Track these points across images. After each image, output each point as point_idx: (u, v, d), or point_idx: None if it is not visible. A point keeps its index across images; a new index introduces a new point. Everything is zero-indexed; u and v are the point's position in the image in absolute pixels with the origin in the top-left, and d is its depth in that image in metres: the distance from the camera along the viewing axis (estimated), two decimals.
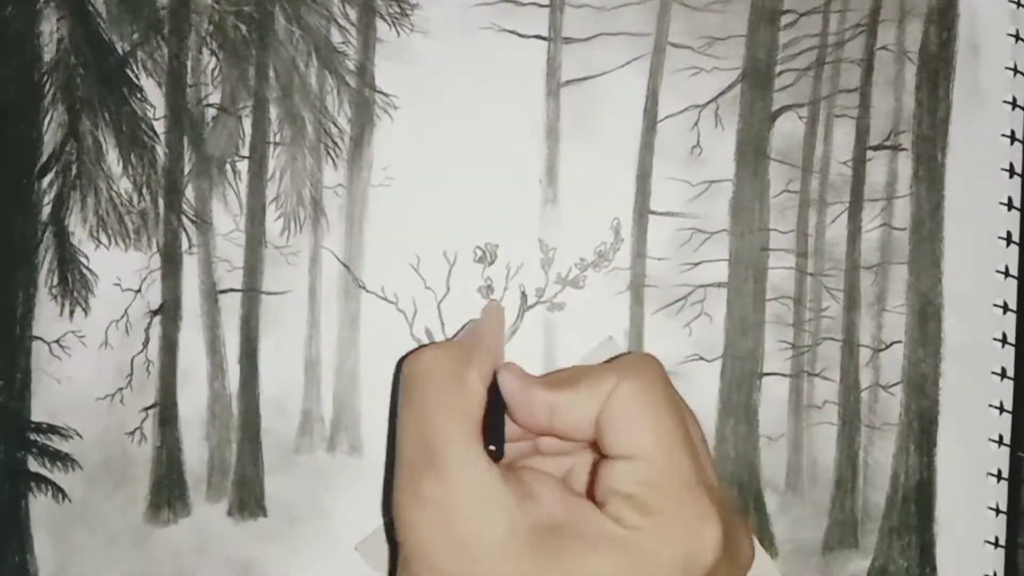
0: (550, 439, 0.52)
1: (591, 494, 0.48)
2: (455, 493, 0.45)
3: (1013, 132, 0.63)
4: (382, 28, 0.62)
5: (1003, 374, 0.63)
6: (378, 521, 0.61)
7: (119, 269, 0.61)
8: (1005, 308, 0.64)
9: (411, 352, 0.51)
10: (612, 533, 0.45)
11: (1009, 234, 0.64)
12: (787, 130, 0.63)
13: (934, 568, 0.63)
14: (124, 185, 0.61)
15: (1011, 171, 0.63)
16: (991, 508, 0.63)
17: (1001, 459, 0.63)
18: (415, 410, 0.48)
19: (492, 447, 0.48)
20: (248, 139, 0.62)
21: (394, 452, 0.48)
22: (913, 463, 0.63)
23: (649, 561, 0.44)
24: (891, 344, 0.64)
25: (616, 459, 0.47)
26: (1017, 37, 0.64)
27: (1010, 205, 0.64)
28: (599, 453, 0.49)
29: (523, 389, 0.50)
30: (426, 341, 0.62)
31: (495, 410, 0.50)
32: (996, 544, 0.63)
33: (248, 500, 0.61)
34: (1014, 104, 0.63)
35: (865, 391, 0.64)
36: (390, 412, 0.60)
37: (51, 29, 0.61)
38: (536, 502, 0.46)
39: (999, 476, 0.63)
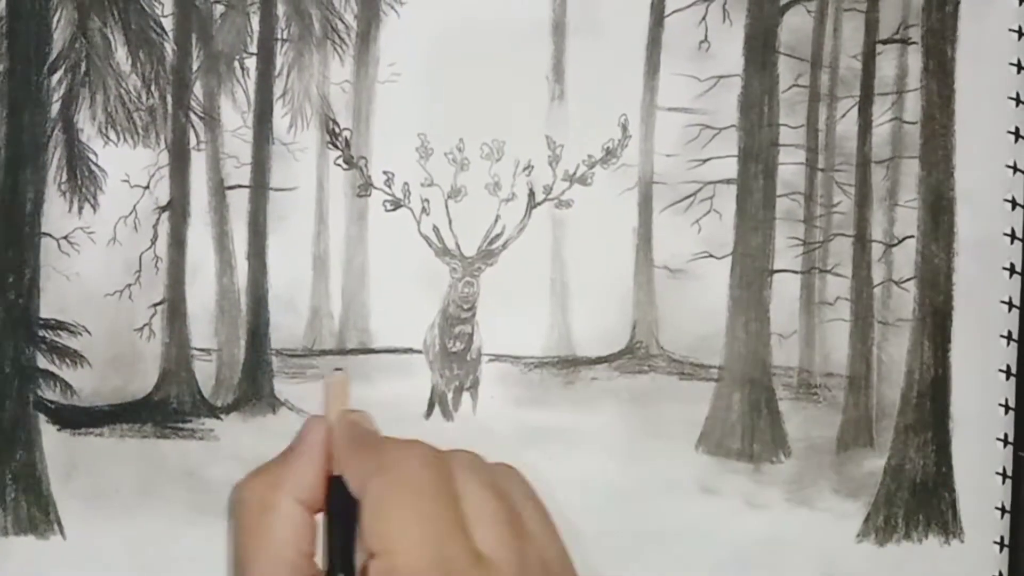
0: None
1: None
2: None
3: (1021, 27, 0.63)
4: None
5: (1012, 269, 0.63)
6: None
7: (128, 165, 0.61)
8: (1014, 204, 0.63)
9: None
10: None
11: (1017, 129, 0.63)
12: (796, 24, 0.63)
13: (950, 466, 0.63)
14: (133, 82, 0.61)
15: (1019, 66, 0.63)
16: (1001, 405, 0.62)
17: (1010, 356, 0.63)
18: (234, 547, 0.46)
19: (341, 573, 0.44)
20: (256, 36, 0.62)
21: None
22: (928, 359, 0.63)
23: None
24: (904, 239, 0.63)
25: (372, 555, 0.44)
26: None
27: (1018, 100, 0.63)
28: None
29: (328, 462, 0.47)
30: (433, 239, 0.62)
31: (338, 522, 0.45)
32: (1005, 441, 0.62)
33: (256, 397, 0.61)
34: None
35: (878, 287, 0.63)
36: None
37: None
38: None
39: (1008, 373, 0.62)
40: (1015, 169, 0.63)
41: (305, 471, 0.45)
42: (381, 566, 0.41)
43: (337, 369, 0.58)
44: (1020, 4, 0.63)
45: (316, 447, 0.47)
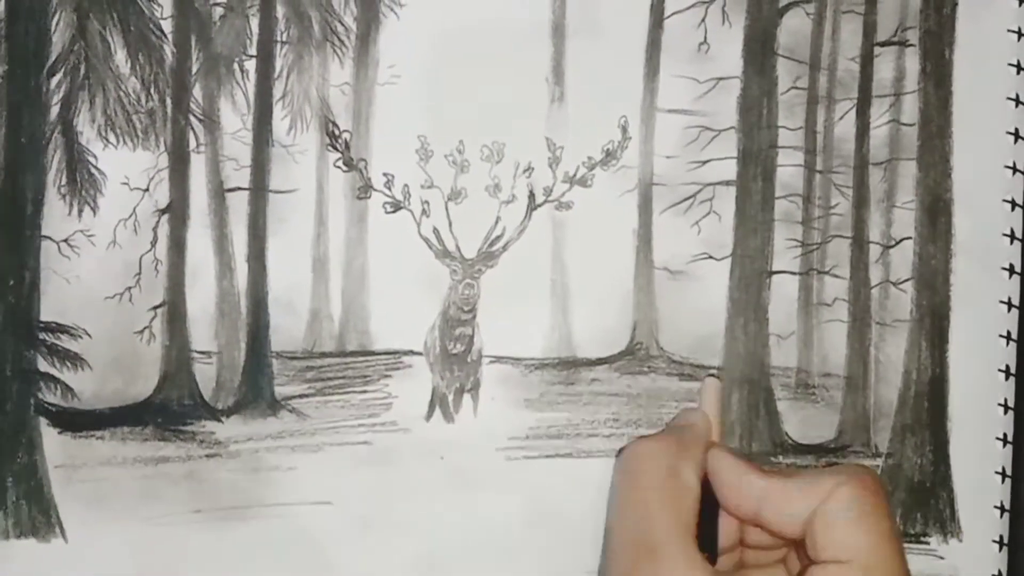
0: (757, 533, 0.51)
1: None
2: None
3: (1020, 28, 0.63)
4: None
5: (1012, 270, 0.63)
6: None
7: (127, 168, 0.61)
8: (1013, 204, 0.63)
9: (630, 443, 0.52)
10: None
11: (1017, 131, 0.63)
12: (794, 26, 0.63)
13: (948, 466, 0.63)
14: (132, 85, 0.61)
15: (1018, 67, 0.63)
16: (1000, 405, 0.63)
17: (1008, 356, 0.63)
18: (633, 499, 0.49)
19: (706, 552, 0.48)
20: (255, 38, 0.62)
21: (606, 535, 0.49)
22: (925, 359, 0.63)
23: None
24: (901, 240, 0.63)
25: (828, 563, 0.46)
26: None
27: (1017, 101, 0.63)
28: (803, 559, 0.49)
29: (735, 470, 0.50)
30: (433, 240, 0.62)
31: (708, 509, 0.50)
32: (1005, 441, 0.63)
33: (257, 399, 0.61)
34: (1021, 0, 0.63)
35: (875, 288, 0.63)
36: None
37: None
38: None
39: (1007, 373, 0.63)
40: (1013, 170, 0.63)
41: (700, 450, 0.50)
42: (848, 573, 0.45)
43: (712, 374, 0.61)
44: (1020, 5, 0.63)
45: (704, 434, 0.52)
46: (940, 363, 0.63)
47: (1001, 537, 0.63)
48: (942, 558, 0.63)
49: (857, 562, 0.45)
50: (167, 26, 0.61)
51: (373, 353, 0.62)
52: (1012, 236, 0.63)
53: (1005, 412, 0.63)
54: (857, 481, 0.47)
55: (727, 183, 0.63)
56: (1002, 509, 0.63)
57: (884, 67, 0.63)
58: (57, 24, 0.61)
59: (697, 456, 0.51)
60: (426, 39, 0.62)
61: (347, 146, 0.62)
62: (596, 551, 0.61)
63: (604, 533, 0.50)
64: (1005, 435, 0.63)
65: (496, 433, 0.62)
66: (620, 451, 0.54)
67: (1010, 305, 0.63)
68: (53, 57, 0.61)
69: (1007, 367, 0.63)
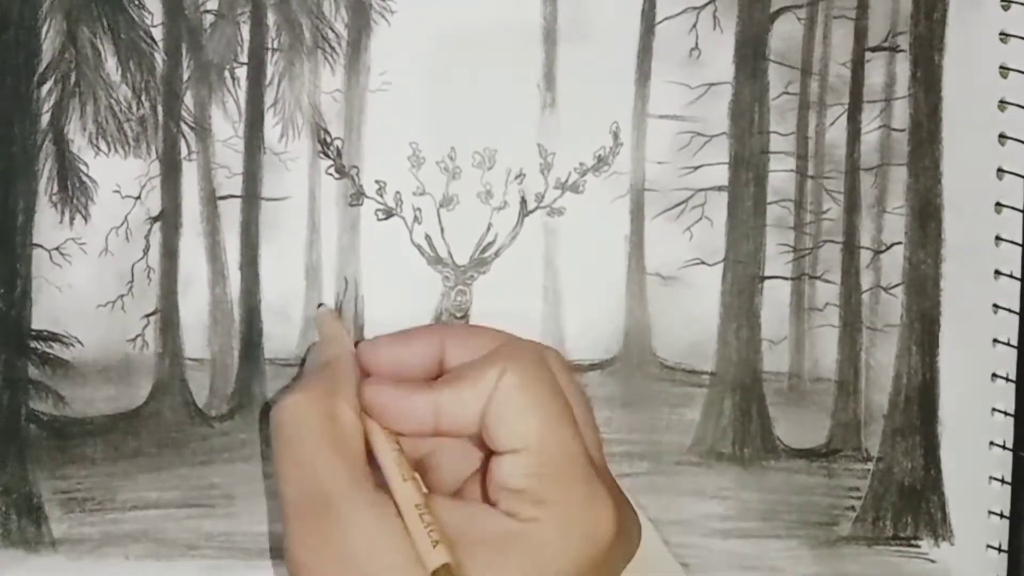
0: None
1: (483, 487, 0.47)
2: (354, 532, 0.44)
3: (1005, 32, 0.63)
4: None
5: (1008, 274, 0.63)
6: None
7: (119, 176, 0.61)
8: (999, 207, 0.63)
9: (275, 403, 0.50)
10: (510, 529, 0.44)
11: (1002, 134, 0.63)
12: (786, 31, 0.63)
13: (939, 470, 0.63)
14: (123, 92, 0.61)
15: (1006, 70, 0.63)
16: (998, 410, 0.63)
17: (1002, 360, 0.63)
18: (294, 459, 0.47)
19: None
20: (246, 45, 0.62)
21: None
22: (915, 364, 0.63)
23: (550, 550, 0.44)
24: (892, 245, 0.64)
25: (504, 454, 0.46)
26: None
27: (1004, 104, 0.63)
28: (485, 450, 0.48)
29: (399, 397, 0.48)
30: (426, 247, 0.62)
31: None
32: (1004, 447, 0.63)
33: (250, 406, 0.61)
34: (1009, 3, 0.63)
35: (866, 293, 0.64)
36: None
37: None
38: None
39: (1006, 378, 0.63)
40: (1003, 172, 0.63)
41: (350, 380, 0.49)
42: (523, 461, 0.43)
43: (320, 305, 0.60)
44: (1007, 8, 0.64)
45: (350, 368, 0.50)
46: (930, 367, 0.63)
47: (1000, 544, 0.63)
48: (933, 561, 0.64)
49: (530, 449, 0.45)
50: (158, 33, 0.61)
51: None
52: (1002, 240, 0.63)
53: (1005, 416, 0.63)
54: (517, 365, 0.47)
55: (719, 188, 0.63)
56: (1000, 515, 0.63)
57: (875, 72, 0.64)
58: (47, 32, 0.61)
59: (350, 392, 0.49)
60: (418, 46, 0.62)
61: (339, 153, 0.62)
62: None
63: (278, 506, 0.48)
64: (1004, 442, 0.63)
65: None
66: (265, 413, 0.52)
67: (999, 308, 0.63)
68: (43, 65, 0.61)
69: (1006, 374, 0.63)
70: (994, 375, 0.63)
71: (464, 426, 0.47)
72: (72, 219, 0.61)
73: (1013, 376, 0.63)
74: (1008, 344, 0.63)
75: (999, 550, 0.63)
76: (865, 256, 0.64)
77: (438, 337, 0.50)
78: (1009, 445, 0.63)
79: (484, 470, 0.48)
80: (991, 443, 0.63)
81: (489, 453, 0.47)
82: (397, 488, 0.46)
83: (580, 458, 0.46)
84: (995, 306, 0.63)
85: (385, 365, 0.50)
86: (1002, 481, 0.63)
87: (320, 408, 0.48)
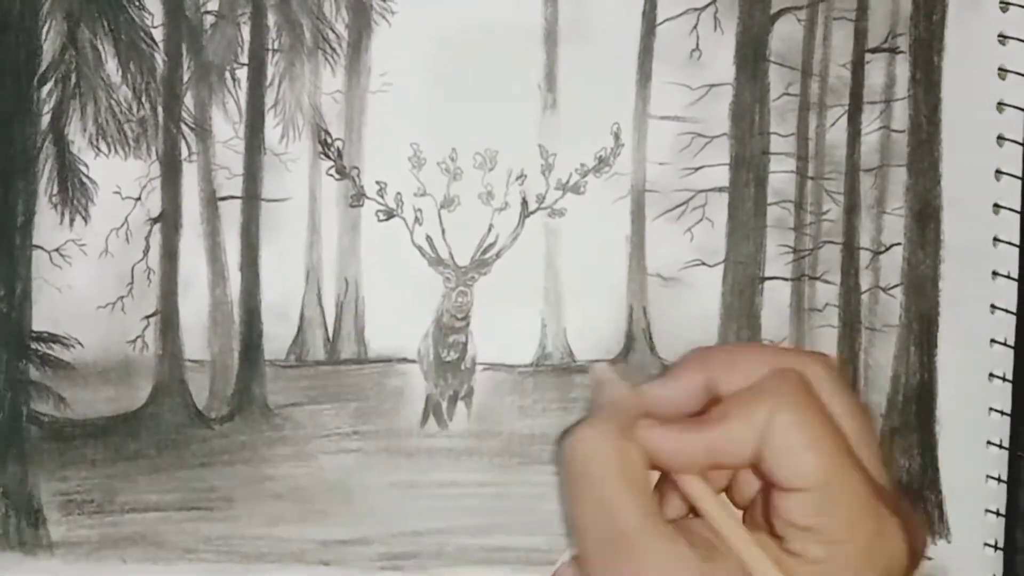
0: None
1: (765, 516, 0.48)
2: (650, 565, 0.45)
3: (1005, 34, 0.64)
4: None
5: (1006, 275, 0.64)
6: None
7: (119, 177, 0.61)
8: (997, 208, 0.64)
9: (568, 436, 0.50)
10: (800, 571, 0.44)
11: (1001, 135, 0.64)
12: (786, 32, 0.63)
13: (936, 469, 0.64)
14: (123, 93, 0.61)
15: (1004, 72, 0.64)
16: (995, 409, 0.63)
17: (998, 360, 0.64)
18: (591, 497, 0.48)
19: None
20: (247, 46, 0.61)
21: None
22: (914, 364, 0.64)
23: None
24: (891, 246, 0.64)
25: (787, 492, 0.46)
26: None
27: (1003, 106, 0.64)
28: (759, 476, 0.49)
29: (671, 438, 0.49)
30: (426, 248, 0.62)
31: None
32: (1000, 446, 0.63)
33: (250, 407, 0.61)
34: (1007, 5, 0.64)
35: (865, 293, 0.64)
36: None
37: None
38: (723, 556, 0.46)
39: (1003, 378, 0.63)
40: (1001, 174, 0.64)
41: (633, 419, 0.47)
42: (806, 500, 0.43)
43: (594, 362, 0.59)
44: (1005, 10, 0.64)
45: (632, 407, 0.48)
46: (929, 368, 0.64)
47: (996, 541, 0.63)
48: (931, 559, 0.64)
49: (811, 488, 0.45)
50: (158, 34, 0.61)
51: (366, 361, 0.62)
52: (1001, 241, 0.64)
53: (1001, 416, 0.63)
54: (787, 401, 0.46)
55: (720, 189, 0.63)
56: (996, 513, 0.63)
57: (875, 74, 0.64)
58: (48, 33, 0.60)
59: (633, 428, 0.50)
60: (418, 47, 0.62)
61: (339, 154, 0.62)
62: None
63: (571, 535, 0.49)
64: (1000, 441, 0.63)
65: (490, 440, 0.62)
66: (560, 442, 0.52)
67: (996, 308, 0.63)
68: (44, 66, 0.60)
69: (1003, 374, 0.63)
70: (991, 375, 0.63)
71: (738, 462, 0.47)
72: (72, 220, 0.61)
73: (1010, 376, 0.63)
74: (1005, 344, 0.64)
75: (996, 548, 0.63)
76: (865, 257, 0.64)
77: (705, 367, 0.50)
78: (1006, 444, 0.63)
79: (765, 492, 0.48)
80: (988, 442, 0.64)
81: (768, 481, 0.48)
82: (739, 537, 0.47)
83: (864, 491, 0.46)
84: (993, 307, 0.63)
85: (658, 407, 0.50)
86: (999, 480, 0.63)
87: (613, 443, 0.48)
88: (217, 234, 0.61)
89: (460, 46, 0.62)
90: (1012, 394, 0.64)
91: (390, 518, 0.61)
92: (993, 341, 0.64)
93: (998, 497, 0.64)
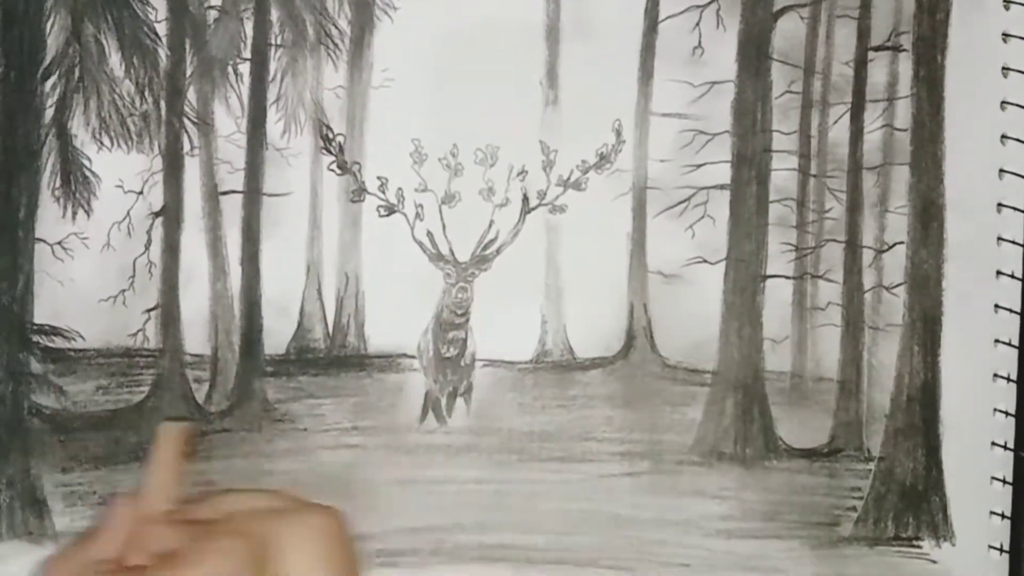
0: None
1: None
2: None
3: (1009, 32, 0.63)
4: None
5: (1010, 275, 0.63)
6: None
7: (121, 171, 0.61)
8: (1001, 207, 0.63)
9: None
10: None
11: (1005, 134, 0.63)
12: (789, 30, 0.63)
13: (940, 470, 0.63)
14: (126, 88, 0.61)
15: (1008, 70, 0.63)
16: (999, 410, 0.63)
17: (1001, 360, 0.63)
18: None
19: None
20: (249, 41, 0.62)
21: None
22: (917, 364, 0.63)
23: None
24: (894, 245, 0.63)
25: None
26: None
27: (1007, 104, 0.63)
28: None
29: None
30: (427, 244, 0.62)
31: None
32: (1005, 447, 0.63)
33: (250, 402, 0.61)
34: (1010, 3, 0.63)
35: (868, 292, 0.63)
36: None
37: None
38: None
39: (1008, 379, 0.63)
40: (1004, 172, 0.63)
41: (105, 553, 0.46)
42: None
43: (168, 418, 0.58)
44: (1008, 8, 0.63)
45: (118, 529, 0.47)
46: (932, 367, 0.63)
47: (1001, 544, 0.63)
48: (935, 562, 0.63)
49: None
50: (161, 29, 0.61)
51: (366, 356, 0.62)
52: (1008, 241, 0.63)
53: (1006, 416, 0.63)
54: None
55: (721, 187, 0.63)
56: (1002, 515, 0.63)
57: (878, 72, 0.64)
58: (52, 27, 0.61)
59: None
60: (420, 43, 0.62)
61: (341, 149, 0.62)
62: (588, 551, 0.61)
63: None
64: (1005, 442, 0.63)
65: (489, 436, 0.62)
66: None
67: (1000, 308, 0.63)
68: (48, 60, 0.61)
69: (1008, 374, 0.63)
70: (995, 375, 0.63)
71: None
72: (75, 214, 0.61)
73: (1015, 376, 0.63)
74: (1010, 344, 0.63)
75: (1000, 550, 0.63)
76: (867, 255, 0.63)
77: None
78: (1011, 446, 0.63)
79: None
80: (993, 443, 0.63)
81: None
82: None
83: None
84: (996, 306, 0.63)
85: None
86: (1004, 482, 0.63)
87: None
88: (218, 228, 0.62)
89: (462, 42, 0.62)
90: (1017, 394, 0.63)
91: (388, 514, 0.61)
92: (997, 341, 0.63)
93: (1003, 499, 0.63)
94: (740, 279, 0.63)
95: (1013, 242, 0.63)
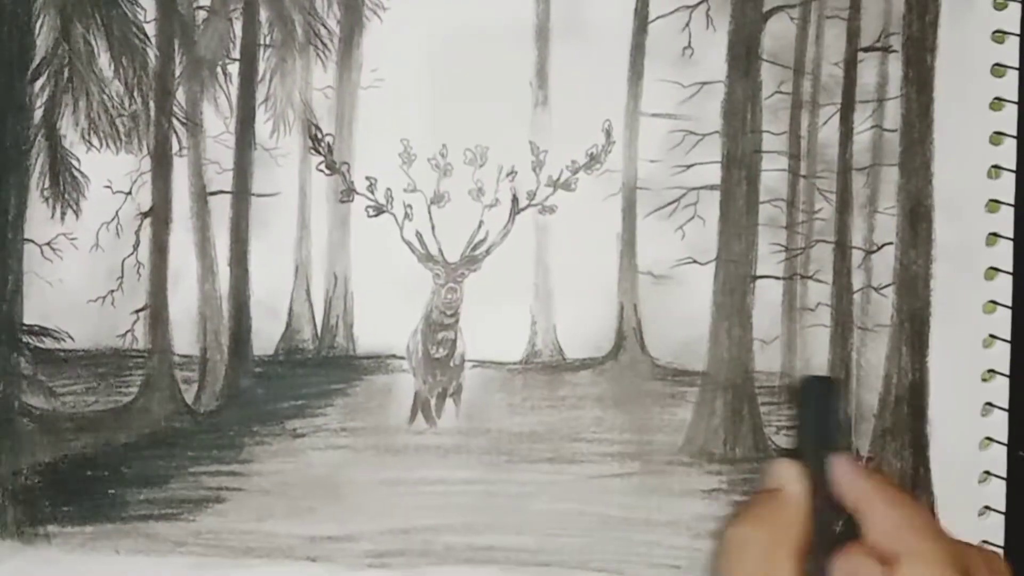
0: None
1: None
2: None
3: (998, 31, 0.63)
4: None
5: (995, 271, 0.63)
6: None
7: (110, 171, 0.61)
8: (991, 206, 0.63)
9: (730, 525, 0.48)
10: None
11: (994, 134, 0.63)
12: (779, 31, 0.63)
13: (928, 468, 0.63)
14: (115, 88, 0.61)
15: (999, 67, 0.63)
16: (991, 405, 0.63)
17: (989, 360, 0.63)
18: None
19: None
20: (239, 41, 0.62)
21: None
22: (906, 364, 0.63)
23: None
24: (883, 245, 0.63)
25: None
26: None
27: (996, 103, 0.63)
28: None
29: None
30: (416, 244, 0.62)
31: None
32: (997, 442, 0.63)
33: (238, 402, 0.61)
34: (1000, 4, 0.63)
35: (857, 293, 0.63)
36: None
37: None
38: None
39: (1001, 373, 0.63)
40: (996, 170, 0.63)
41: (794, 531, 0.46)
42: None
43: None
44: (998, 9, 0.63)
45: (795, 514, 0.47)
46: (920, 367, 0.63)
47: (1001, 546, 0.63)
48: None
49: None
50: (150, 29, 0.61)
51: (355, 357, 0.62)
52: (997, 237, 0.63)
53: (994, 414, 0.63)
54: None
55: (711, 187, 0.63)
56: (993, 512, 0.63)
57: (867, 72, 0.63)
58: (41, 28, 0.61)
59: (791, 537, 0.47)
60: (410, 43, 0.62)
61: (330, 150, 0.62)
62: (580, 550, 0.61)
63: None
64: (995, 440, 0.63)
65: (479, 437, 0.62)
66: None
67: (996, 305, 0.63)
68: (37, 61, 0.61)
69: (1005, 371, 0.63)
70: (989, 371, 0.63)
71: None
72: (63, 214, 0.61)
73: (1006, 373, 0.63)
74: (1001, 339, 0.63)
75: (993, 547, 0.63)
76: (857, 256, 0.63)
77: None
78: (1003, 441, 0.63)
79: None
80: (981, 442, 0.63)
81: None
82: None
83: None
84: (989, 303, 0.63)
85: None
86: (994, 477, 0.63)
87: (760, 549, 0.47)
88: (207, 229, 0.62)
89: (451, 43, 0.62)
90: (1009, 391, 0.63)
91: (378, 515, 0.61)
92: (988, 339, 0.63)
93: (991, 497, 0.63)
94: (730, 279, 0.63)
95: (1006, 237, 0.63)
